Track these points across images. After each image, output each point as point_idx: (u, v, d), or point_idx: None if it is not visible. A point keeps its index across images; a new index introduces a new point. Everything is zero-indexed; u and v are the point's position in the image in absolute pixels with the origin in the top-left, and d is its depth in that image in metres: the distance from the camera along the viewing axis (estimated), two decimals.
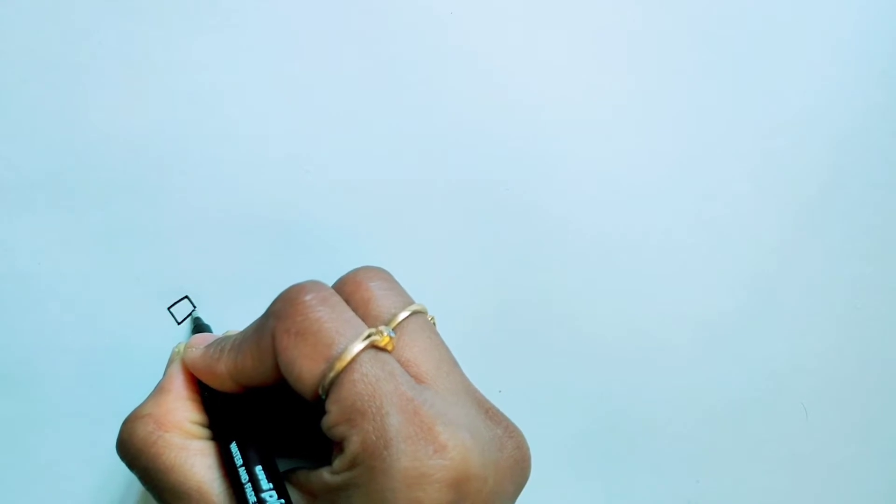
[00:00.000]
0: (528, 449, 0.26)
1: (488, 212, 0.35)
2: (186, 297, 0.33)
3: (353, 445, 0.22)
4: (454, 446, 0.22)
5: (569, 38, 0.36)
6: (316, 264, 0.34)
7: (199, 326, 0.32)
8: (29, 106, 0.33)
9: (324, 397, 0.24)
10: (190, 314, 0.33)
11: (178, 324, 0.33)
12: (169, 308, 0.33)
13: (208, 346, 0.28)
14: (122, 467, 0.33)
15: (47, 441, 0.33)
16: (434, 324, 0.27)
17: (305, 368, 0.24)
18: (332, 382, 0.23)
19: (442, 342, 0.27)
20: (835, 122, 0.37)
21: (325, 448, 0.24)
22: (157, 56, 0.33)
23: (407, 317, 0.26)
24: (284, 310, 0.25)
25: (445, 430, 0.23)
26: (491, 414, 0.26)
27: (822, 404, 0.37)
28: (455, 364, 0.26)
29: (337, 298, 0.25)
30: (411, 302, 0.27)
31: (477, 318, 0.35)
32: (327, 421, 0.23)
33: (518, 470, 0.25)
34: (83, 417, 0.33)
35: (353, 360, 0.23)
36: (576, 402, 0.36)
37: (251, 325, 0.27)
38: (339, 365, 0.23)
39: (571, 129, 0.36)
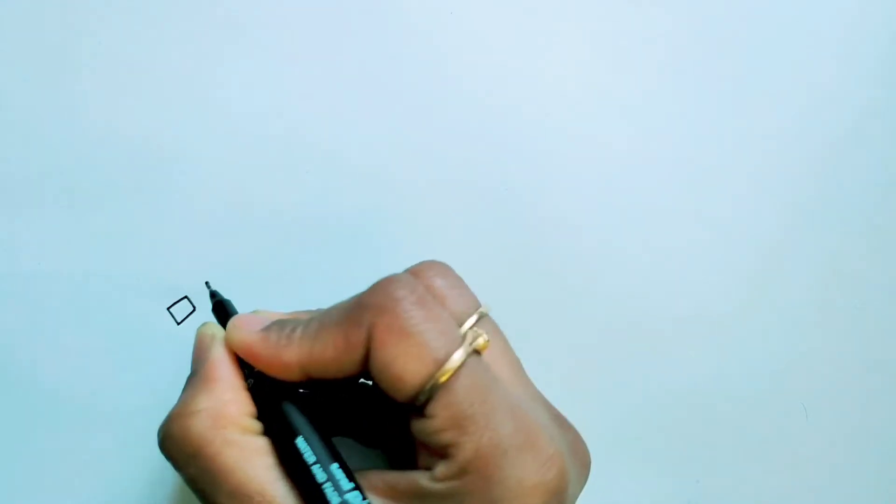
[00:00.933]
0: (588, 452, 0.26)
1: (489, 212, 0.35)
2: (186, 297, 0.33)
3: (465, 452, 0.22)
4: (558, 458, 0.22)
5: (569, 38, 0.36)
6: (316, 264, 0.34)
7: (220, 303, 0.29)
8: (29, 106, 0.33)
9: (423, 401, 0.22)
10: (191, 313, 0.33)
11: (178, 324, 0.33)
12: (169, 308, 0.33)
13: (268, 331, 0.25)
14: (122, 467, 0.33)
15: (47, 441, 0.33)
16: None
17: (409, 370, 0.22)
18: (439, 387, 0.22)
19: (509, 345, 0.26)
20: (834, 122, 0.37)
21: (388, 446, 0.23)
22: (157, 56, 0.33)
23: (478, 319, 0.25)
24: (385, 305, 0.23)
25: (550, 442, 0.22)
26: (560, 420, 0.26)
27: (822, 404, 0.37)
28: (522, 367, 0.26)
29: (430, 297, 0.24)
30: (479, 302, 0.26)
31: None
32: (431, 426, 0.22)
33: (586, 472, 0.25)
34: (83, 417, 0.33)
35: (463, 364, 0.22)
36: (575, 401, 0.36)
37: (330, 312, 0.25)
38: (448, 368, 0.22)
39: (572, 129, 0.36)
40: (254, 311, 0.28)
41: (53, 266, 0.33)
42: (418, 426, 0.23)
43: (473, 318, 0.25)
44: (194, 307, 0.33)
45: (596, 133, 0.36)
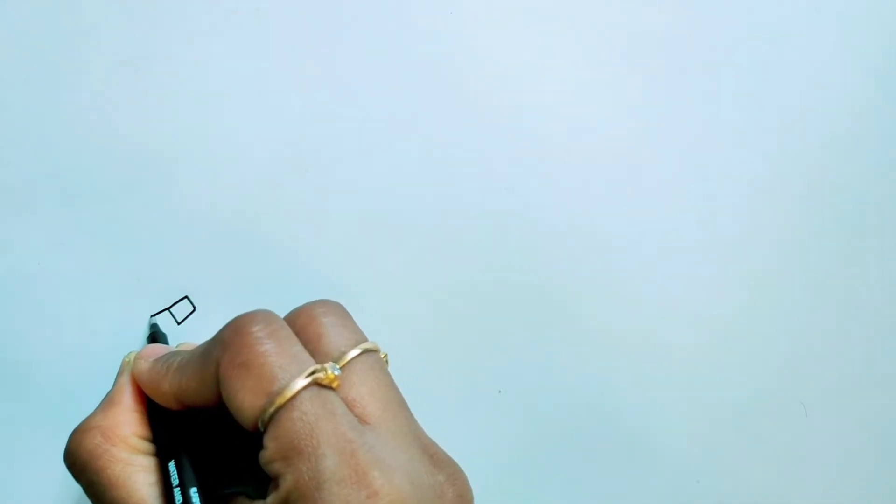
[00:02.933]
0: (471, 497, 0.25)
1: (489, 213, 0.35)
2: (186, 297, 0.33)
3: (287, 483, 0.22)
4: (388, 493, 0.22)
5: (569, 38, 0.36)
6: (316, 264, 0.34)
7: (154, 335, 0.32)
8: (29, 106, 0.33)
9: (263, 431, 0.23)
10: (191, 313, 0.33)
11: (178, 324, 0.33)
12: (169, 308, 0.33)
13: (156, 361, 0.27)
14: None
15: (47, 441, 0.33)
16: (387, 362, 0.27)
17: (246, 401, 0.23)
18: (272, 418, 0.23)
19: (391, 382, 0.26)
20: (835, 123, 0.37)
21: (265, 479, 0.24)
22: (157, 56, 0.33)
23: (358, 355, 0.25)
24: (231, 339, 0.24)
25: (381, 476, 0.22)
26: (436, 459, 0.25)
27: (822, 404, 0.37)
28: (403, 405, 0.26)
29: (286, 332, 0.25)
30: (364, 339, 0.26)
31: (477, 318, 0.35)
32: (264, 456, 0.23)
33: None
34: (83, 417, 0.33)
35: (294, 396, 0.23)
36: (576, 402, 0.36)
37: (199, 346, 0.26)
38: (280, 401, 0.23)
39: (572, 130, 0.36)
40: (179, 344, 0.31)
41: (53, 266, 0.33)
42: (260, 456, 0.24)
43: (354, 353, 0.25)
44: (194, 307, 0.33)
45: (596, 133, 0.36)
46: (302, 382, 0.23)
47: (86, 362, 0.33)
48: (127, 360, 0.29)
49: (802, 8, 0.37)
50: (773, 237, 0.37)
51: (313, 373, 0.23)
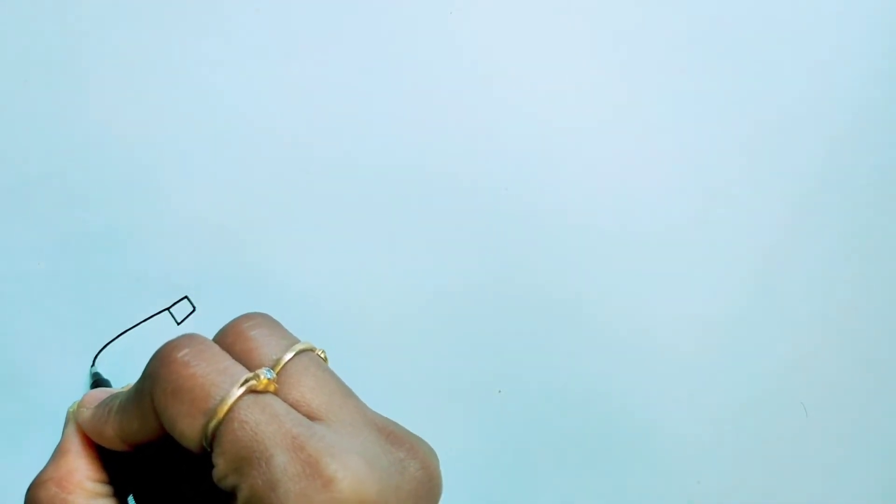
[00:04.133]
0: (435, 466, 0.25)
1: (489, 213, 0.35)
2: (186, 297, 0.33)
3: (244, 493, 0.22)
4: (343, 477, 0.22)
5: (569, 39, 0.36)
6: (316, 263, 0.34)
7: (97, 382, 0.32)
8: (29, 106, 0.33)
9: (210, 451, 0.23)
10: (191, 313, 0.33)
11: (178, 324, 0.33)
12: (169, 308, 0.33)
13: (97, 407, 0.27)
14: None
15: (47, 441, 0.33)
16: (325, 359, 0.27)
17: (186, 426, 0.23)
18: (214, 434, 0.23)
19: (332, 375, 0.26)
20: (834, 123, 0.37)
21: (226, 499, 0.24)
22: (157, 56, 0.33)
23: (292, 357, 0.25)
24: (158, 370, 0.24)
25: (333, 462, 0.22)
26: (393, 438, 0.25)
27: (822, 404, 0.37)
28: (349, 394, 0.26)
29: (214, 350, 0.25)
30: (296, 342, 0.26)
31: (477, 319, 0.35)
32: (216, 474, 0.23)
33: (424, 490, 0.24)
34: None
35: (231, 408, 0.23)
36: (576, 402, 0.36)
37: (133, 385, 0.26)
38: (218, 415, 0.23)
39: (572, 130, 0.36)
40: (125, 385, 0.30)
41: (53, 266, 0.33)
42: (213, 476, 0.23)
43: (289, 355, 0.25)
44: (194, 307, 0.33)
45: (597, 134, 0.36)
46: (237, 392, 0.23)
47: (85, 362, 0.33)
48: (71, 410, 0.29)
49: (802, 8, 0.37)
50: (774, 237, 0.37)
51: (246, 381, 0.23)
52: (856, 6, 0.37)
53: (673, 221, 0.36)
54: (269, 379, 0.24)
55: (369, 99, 0.34)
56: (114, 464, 0.27)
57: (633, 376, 0.36)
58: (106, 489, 0.27)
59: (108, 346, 0.33)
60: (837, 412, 0.37)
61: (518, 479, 0.36)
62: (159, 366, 0.24)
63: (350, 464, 0.22)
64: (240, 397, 0.23)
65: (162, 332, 0.33)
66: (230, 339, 0.26)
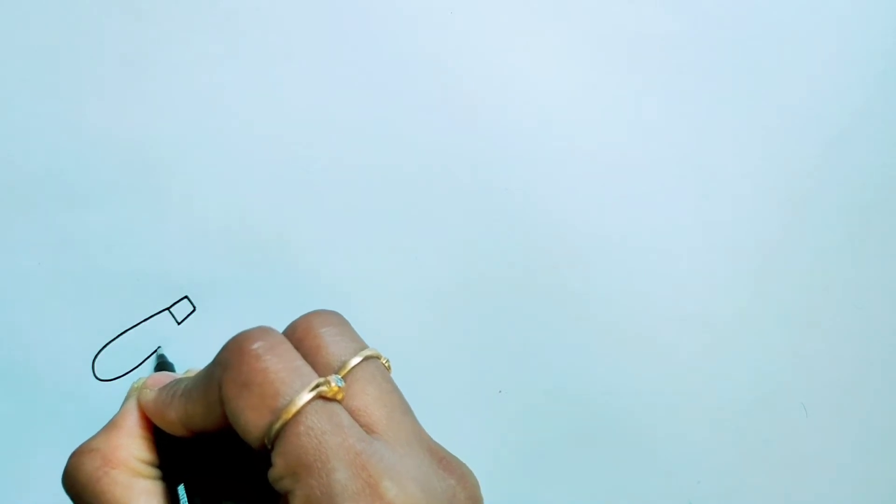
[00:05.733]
0: (481, 499, 0.25)
1: (489, 213, 0.35)
2: (186, 297, 0.33)
3: (298, 500, 0.22)
4: (402, 502, 0.22)
5: (569, 38, 0.36)
6: (316, 264, 0.34)
7: (161, 364, 0.32)
8: (29, 106, 0.33)
9: (270, 449, 0.23)
10: (191, 313, 0.33)
11: (178, 324, 0.33)
12: (169, 308, 0.33)
13: (161, 389, 0.27)
14: None
15: (47, 441, 0.33)
16: (389, 368, 0.27)
17: (251, 420, 0.23)
18: (278, 434, 0.23)
19: (395, 388, 0.26)
20: (834, 123, 0.37)
21: (275, 499, 0.24)
22: (157, 56, 0.33)
23: (359, 363, 0.25)
24: (230, 359, 0.24)
25: (393, 487, 0.22)
26: (444, 463, 0.25)
27: (822, 404, 0.37)
28: (408, 411, 0.26)
29: (286, 346, 0.25)
30: (364, 347, 0.26)
31: (477, 319, 0.35)
32: (272, 473, 0.23)
33: None
34: (83, 417, 0.33)
35: (299, 411, 0.23)
36: (576, 402, 0.36)
37: (202, 370, 0.26)
38: (285, 416, 0.23)
39: (572, 130, 0.36)
40: (187, 370, 0.31)
41: (53, 266, 0.33)
42: (269, 474, 0.23)
43: (356, 360, 0.25)
44: (194, 307, 0.33)
45: (597, 135, 0.36)
46: (306, 397, 0.23)
47: (86, 362, 0.33)
48: (135, 386, 0.29)
49: (802, 8, 0.37)
50: (774, 238, 0.37)
51: (317, 386, 0.23)
52: (857, 6, 0.37)
53: (673, 221, 0.36)
54: (338, 387, 0.24)
55: (369, 99, 0.34)
56: (168, 449, 0.27)
57: (634, 376, 0.36)
58: (152, 471, 0.27)
59: (108, 346, 0.33)
60: (837, 412, 0.37)
61: (518, 479, 0.36)
62: (232, 355, 0.24)
63: (408, 489, 0.22)
64: (309, 402, 0.23)
65: (162, 332, 0.33)
66: (299, 335, 0.26)
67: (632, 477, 0.36)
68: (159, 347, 0.33)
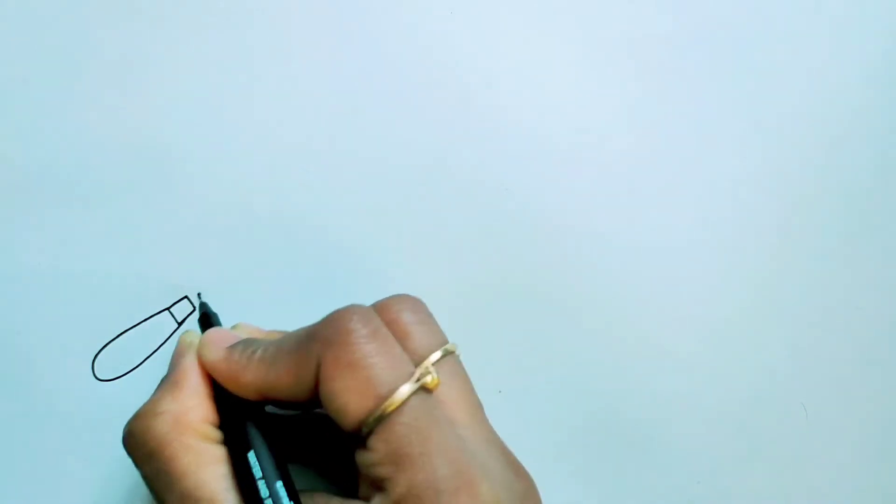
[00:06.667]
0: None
1: (488, 213, 0.35)
2: (186, 297, 0.33)
3: (400, 489, 0.22)
4: (491, 502, 0.22)
5: (569, 38, 0.36)
6: (316, 263, 0.34)
7: (206, 315, 0.31)
8: (29, 106, 0.33)
9: (366, 434, 0.23)
10: (191, 313, 0.33)
11: (179, 324, 0.33)
12: (169, 308, 0.33)
13: (232, 349, 0.26)
14: (122, 468, 0.33)
15: (47, 441, 0.33)
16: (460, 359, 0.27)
17: (352, 402, 0.23)
18: (380, 421, 0.23)
19: (471, 384, 0.26)
20: (834, 123, 0.37)
21: (349, 479, 0.24)
22: (157, 56, 0.33)
23: (441, 356, 0.25)
24: (334, 337, 0.24)
25: (486, 487, 0.22)
26: (515, 466, 0.25)
27: (822, 404, 0.37)
28: (480, 407, 0.26)
29: (385, 331, 0.25)
30: (445, 340, 0.26)
31: (477, 318, 0.35)
32: (369, 458, 0.23)
33: None
34: (83, 417, 0.33)
35: (405, 402, 0.23)
36: (576, 402, 0.36)
37: (288, 339, 0.25)
38: (390, 405, 0.23)
39: (572, 130, 0.36)
40: (234, 326, 0.29)
41: (54, 266, 0.33)
42: (360, 457, 0.23)
43: (437, 355, 0.25)
44: (194, 307, 0.33)
45: (596, 135, 0.36)
46: (411, 387, 0.23)
47: (86, 362, 0.33)
48: (188, 341, 0.28)
49: (802, 8, 0.37)
50: (774, 237, 0.37)
51: (420, 377, 0.23)
52: (857, 6, 0.37)
53: (673, 221, 0.36)
54: (438, 380, 0.24)
55: (369, 98, 0.34)
56: (231, 413, 0.26)
57: (633, 376, 0.36)
58: (217, 435, 0.26)
59: (108, 346, 0.33)
60: (837, 412, 0.37)
61: None
62: (336, 334, 0.24)
63: (498, 492, 0.23)
64: (414, 392, 0.23)
65: (162, 332, 0.33)
66: (386, 319, 0.25)
67: (631, 476, 0.36)
68: (200, 294, 0.32)
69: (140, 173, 0.33)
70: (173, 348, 0.33)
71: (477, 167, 0.35)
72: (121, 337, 0.33)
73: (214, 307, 0.32)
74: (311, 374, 0.24)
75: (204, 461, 0.24)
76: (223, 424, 0.26)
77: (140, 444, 0.25)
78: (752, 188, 0.37)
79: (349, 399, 0.23)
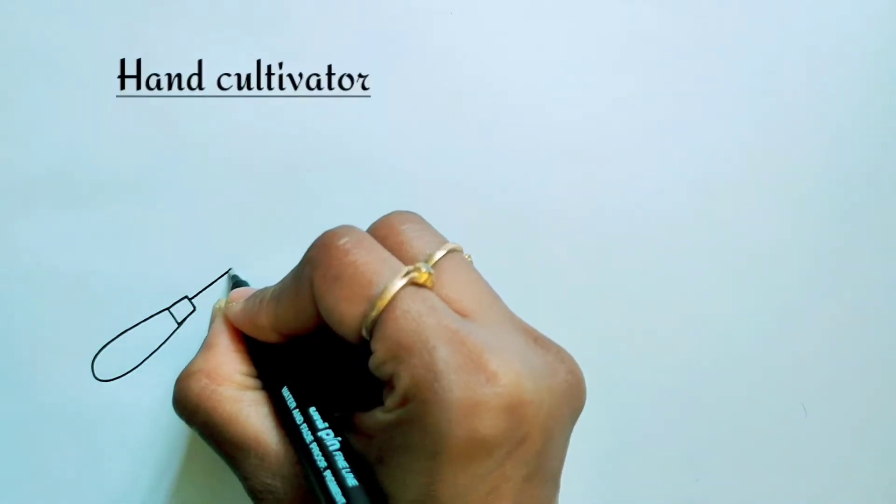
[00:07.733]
0: (581, 373, 0.25)
1: (489, 213, 0.35)
2: (186, 297, 0.33)
3: (404, 381, 0.22)
4: (505, 373, 0.22)
5: (569, 38, 0.36)
6: None
7: (237, 282, 0.32)
8: (29, 106, 0.33)
9: (368, 338, 0.23)
10: (191, 313, 0.33)
11: (179, 324, 0.33)
12: (169, 308, 0.33)
13: (248, 300, 0.28)
14: (122, 467, 0.33)
15: (47, 441, 0.33)
16: (471, 261, 0.27)
17: (346, 311, 0.23)
18: (375, 322, 0.23)
19: (481, 277, 0.26)
20: (835, 123, 0.37)
21: (375, 391, 0.24)
22: (157, 56, 0.33)
23: (444, 255, 0.25)
24: (320, 256, 0.25)
25: (495, 358, 0.22)
26: (540, 342, 0.25)
27: (822, 404, 0.37)
28: (497, 297, 0.26)
29: (371, 240, 0.25)
30: (446, 241, 0.26)
31: None
32: (374, 360, 0.23)
33: (573, 394, 0.25)
34: (83, 417, 0.33)
35: (395, 297, 0.23)
36: None
37: (288, 274, 0.27)
38: (381, 304, 0.23)
39: (571, 129, 0.36)
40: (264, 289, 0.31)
41: (53, 266, 0.33)
42: (371, 364, 0.23)
43: (440, 253, 0.25)
44: (194, 307, 0.33)
45: (596, 134, 0.36)
46: (400, 283, 0.23)
47: (85, 362, 0.33)
48: (218, 306, 0.30)
49: (802, 8, 0.37)
50: (774, 237, 0.37)
51: (408, 273, 0.23)
52: (857, 6, 0.37)
53: (673, 221, 0.36)
54: (428, 273, 0.24)
55: (368, 98, 0.34)
56: (263, 358, 0.28)
57: (633, 375, 0.36)
58: (253, 382, 0.28)
59: (108, 346, 0.33)
60: (837, 412, 0.37)
61: None
62: (320, 252, 0.25)
63: (509, 361, 0.22)
64: (403, 287, 0.23)
65: (162, 332, 0.33)
66: (383, 233, 0.26)
67: (631, 476, 0.36)
68: (230, 269, 0.33)
69: (139, 173, 0.33)
70: (173, 348, 0.33)
71: (476, 167, 0.35)
72: (121, 337, 0.33)
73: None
74: (308, 299, 0.25)
75: (243, 406, 0.26)
76: (260, 372, 0.28)
77: (184, 404, 0.27)
78: (752, 188, 0.37)
79: (343, 309, 0.23)
